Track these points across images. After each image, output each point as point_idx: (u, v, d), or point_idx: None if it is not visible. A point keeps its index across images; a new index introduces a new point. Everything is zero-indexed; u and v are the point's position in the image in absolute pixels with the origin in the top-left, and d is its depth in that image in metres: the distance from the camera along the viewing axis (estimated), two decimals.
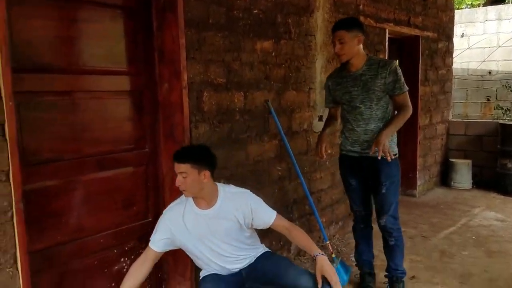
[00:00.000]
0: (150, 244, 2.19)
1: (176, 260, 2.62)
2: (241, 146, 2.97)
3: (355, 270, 3.09)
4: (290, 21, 3.29)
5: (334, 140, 3.81)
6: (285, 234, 2.36)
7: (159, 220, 2.24)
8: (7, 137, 1.72)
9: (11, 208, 1.75)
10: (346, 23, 2.67)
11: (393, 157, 2.62)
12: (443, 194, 5.69)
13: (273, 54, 3.18)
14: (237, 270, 2.32)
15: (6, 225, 1.74)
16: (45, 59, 2.08)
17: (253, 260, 2.35)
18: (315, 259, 2.16)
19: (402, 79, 2.69)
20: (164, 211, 2.27)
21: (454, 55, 6.61)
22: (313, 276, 2.14)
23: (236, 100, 2.90)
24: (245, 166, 3.01)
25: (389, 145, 2.64)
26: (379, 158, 2.57)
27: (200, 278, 2.34)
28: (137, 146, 2.54)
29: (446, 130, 6.31)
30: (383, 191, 2.72)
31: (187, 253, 2.31)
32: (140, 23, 2.48)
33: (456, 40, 7.01)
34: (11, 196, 1.74)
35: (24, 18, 1.97)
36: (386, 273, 2.86)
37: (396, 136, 2.82)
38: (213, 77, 2.70)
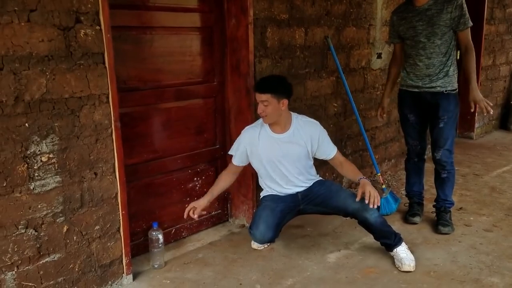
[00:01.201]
0: (232, 160, 2.62)
1: (239, 183, 2.94)
2: (300, 81, 3.15)
3: (405, 201, 3.29)
4: None
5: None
6: (338, 168, 2.72)
7: (237, 140, 2.62)
8: (107, 65, 2.02)
9: (111, 125, 2.09)
10: None
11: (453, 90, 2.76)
12: (501, 137, 5.62)
13: None
14: (294, 192, 2.61)
15: (107, 139, 2.09)
16: None
17: (309, 185, 2.64)
18: (359, 182, 2.47)
19: (467, 14, 2.73)
20: (242, 131, 2.62)
21: None
22: (361, 199, 2.42)
23: (297, 36, 3.04)
24: (303, 101, 3.21)
25: (450, 80, 2.79)
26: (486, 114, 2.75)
27: (261, 197, 2.68)
28: (207, 79, 2.80)
29: (510, 72, 6.07)
30: (441, 125, 2.83)
31: (256, 170, 2.66)
32: None
33: None
34: (111, 115, 2.07)
35: None
36: (435, 203, 3.04)
37: (457, 70, 2.85)
38: (276, 13, 2.85)
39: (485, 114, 2.61)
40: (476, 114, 5.46)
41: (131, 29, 2.36)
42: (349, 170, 2.67)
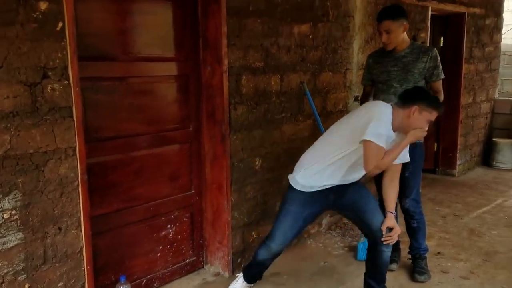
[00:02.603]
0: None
1: (215, 229, 2.91)
2: (277, 126, 3.17)
3: None
4: (328, 3, 3.39)
5: None
6: (387, 177, 2.47)
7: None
8: (74, 118, 2.02)
9: (77, 178, 2.07)
10: (392, 13, 2.77)
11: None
12: (483, 174, 5.66)
13: (310, 37, 3.31)
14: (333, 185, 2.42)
15: (73, 193, 2.07)
16: (105, 48, 2.37)
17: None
18: (386, 215, 2.41)
19: (441, 66, 2.84)
20: None
21: (504, 30, 6.37)
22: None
23: (273, 83, 3.08)
24: (280, 145, 3.22)
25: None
26: None
27: (289, 186, 2.50)
28: (183, 125, 2.81)
29: (491, 108, 6.19)
30: (406, 174, 2.79)
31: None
32: (187, 12, 2.70)
33: (508, 14, 6.71)
34: (77, 169, 2.06)
35: (87, 13, 2.24)
36: (409, 250, 3.02)
37: None
38: (251, 61, 2.89)
39: None
40: (458, 151, 5.52)
41: (105, 79, 2.38)
42: (391, 192, 2.47)
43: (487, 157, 6.08)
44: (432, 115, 2.34)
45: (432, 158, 5.57)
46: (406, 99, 2.36)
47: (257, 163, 3.06)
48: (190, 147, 2.87)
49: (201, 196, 2.94)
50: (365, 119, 2.28)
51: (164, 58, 2.67)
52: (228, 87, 2.75)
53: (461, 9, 5.11)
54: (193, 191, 2.92)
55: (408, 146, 2.44)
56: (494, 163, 5.94)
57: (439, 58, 2.83)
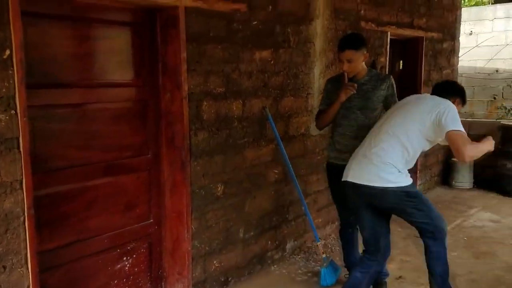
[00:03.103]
0: None
1: (174, 260, 2.82)
2: (239, 150, 3.14)
3: (345, 270, 3.26)
4: (289, 30, 3.42)
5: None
6: None
7: None
8: (21, 150, 1.92)
9: (23, 213, 1.95)
10: (354, 43, 2.82)
11: None
12: (443, 194, 5.80)
13: (272, 62, 3.32)
14: None
15: (18, 228, 1.94)
16: (59, 75, 2.28)
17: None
18: None
19: (395, 93, 2.95)
20: None
21: (461, 53, 6.64)
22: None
23: (234, 108, 3.06)
24: (242, 170, 3.18)
25: None
26: None
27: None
28: (140, 152, 2.73)
29: None
30: None
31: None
32: (145, 38, 2.65)
33: (464, 38, 7.03)
34: (24, 203, 1.94)
35: (38, 37, 2.15)
36: None
37: None
38: (212, 87, 2.86)
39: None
40: (418, 171, 5.65)
41: (58, 107, 2.29)
42: None
43: (446, 177, 6.25)
44: (459, 108, 2.58)
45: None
46: (448, 91, 2.60)
47: (219, 189, 3.00)
48: (148, 174, 2.78)
49: (160, 225, 2.85)
50: (436, 113, 2.40)
51: (121, 83, 2.60)
52: (188, 112, 2.70)
53: (419, 33, 5.29)
54: (151, 220, 2.82)
55: None
56: (453, 182, 6.11)
57: (395, 85, 2.93)
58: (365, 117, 2.88)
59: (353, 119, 2.88)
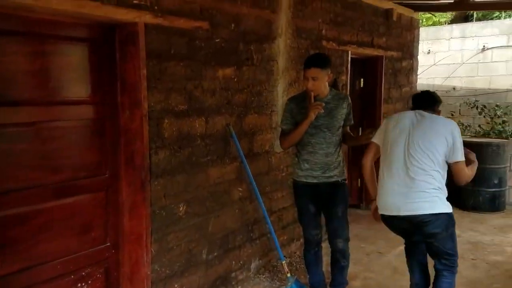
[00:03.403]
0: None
1: (133, 285, 2.70)
2: (202, 169, 3.08)
3: None
4: (252, 48, 3.42)
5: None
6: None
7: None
8: None
9: None
10: (321, 61, 2.88)
11: (345, 180, 3.03)
12: None
13: (235, 80, 3.30)
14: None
15: None
16: (10, 93, 2.16)
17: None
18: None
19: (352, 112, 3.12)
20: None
21: (420, 71, 6.87)
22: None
23: (197, 126, 3.01)
24: (206, 188, 3.12)
25: (343, 170, 3.01)
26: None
27: None
28: (97, 172, 2.61)
29: None
30: (340, 214, 2.97)
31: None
32: (104, 54, 2.57)
33: (422, 56, 7.29)
34: None
35: None
36: (333, 285, 3.12)
37: (344, 163, 3.10)
38: (174, 104, 2.80)
39: None
40: None
41: (7, 126, 2.15)
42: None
43: None
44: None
45: (356, 194, 5.74)
46: (432, 102, 2.69)
47: (181, 209, 2.92)
48: (105, 195, 2.67)
49: (118, 249, 2.73)
50: (451, 138, 2.45)
51: (77, 101, 2.49)
52: (148, 130, 2.63)
53: (379, 52, 5.43)
54: (108, 244, 2.69)
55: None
56: None
57: (351, 104, 3.10)
58: (332, 134, 2.96)
59: (322, 137, 2.95)
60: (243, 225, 3.51)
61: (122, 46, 2.58)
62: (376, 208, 2.70)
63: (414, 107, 2.69)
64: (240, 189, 3.46)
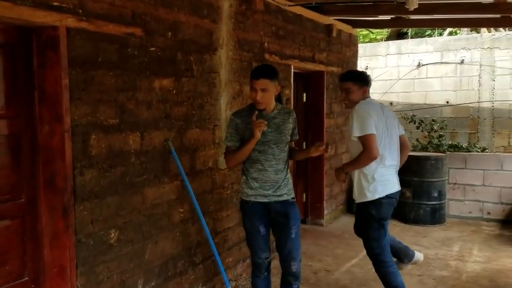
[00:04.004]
0: None
1: None
2: (137, 190, 2.79)
3: None
4: (192, 58, 3.21)
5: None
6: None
7: None
8: None
9: None
10: (270, 72, 2.73)
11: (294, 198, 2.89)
12: (348, 222, 5.85)
13: (174, 92, 3.06)
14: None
15: None
16: None
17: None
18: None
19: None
20: None
21: None
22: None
23: (131, 141, 2.72)
24: (142, 211, 2.83)
25: (291, 188, 2.88)
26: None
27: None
28: (12, 196, 2.27)
29: (350, 159, 6.58)
30: (293, 235, 2.80)
31: None
32: (20, 62, 2.26)
33: None
34: None
35: None
36: None
37: (291, 180, 2.94)
38: (103, 118, 2.51)
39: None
40: (325, 201, 5.69)
41: None
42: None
43: (351, 205, 6.38)
44: None
45: (302, 208, 5.65)
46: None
47: (112, 236, 2.60)
48: (21, 222, 2.32)
49: (39, 283, 2.37)
50: None
51: None
52: (71, 148, 2.32)
53: (321, 67, 5.43)
54: (26, 278, 2.33)
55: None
56: None
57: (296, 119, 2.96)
58: (280, 150, 2.82)
59: (271, 154, 2.79)
60: (184, 249, 3.23)
61: (41, 52, 2.27)
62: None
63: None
64: (181, 210, 3.19)
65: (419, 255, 3.52)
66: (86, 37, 2.36)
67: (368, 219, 3.12)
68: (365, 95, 3.19)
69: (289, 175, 2.89)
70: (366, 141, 2.93)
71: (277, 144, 2.80)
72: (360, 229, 3.31)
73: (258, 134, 2.65)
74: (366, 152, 2.93)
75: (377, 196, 3.03)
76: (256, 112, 2.71)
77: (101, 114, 2.50)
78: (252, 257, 2.92)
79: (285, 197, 2.82)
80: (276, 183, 2.80)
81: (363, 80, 3.21)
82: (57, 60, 2.23)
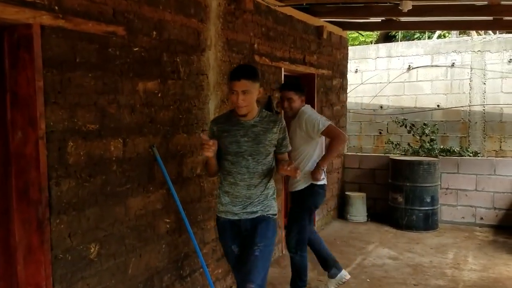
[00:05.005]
0: None
1: None
2: (120, 200, 2.60)
3: None
4: (178, 60, 3.03)
5: None
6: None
7: None
8: None
9: None
10: (251, 73, 2.48)
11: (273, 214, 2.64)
12: (340, 228, 5.76)
13: (159, 95, 2.89)
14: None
15: None
16: None
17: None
18: None
19: (288, 137, 2.69)
20: None
21: (348, 90, 6.89)
22: None
23: (112, 148, 2.54)
24: (124, 223, 2.64)
25: (271, 203, 2.62)
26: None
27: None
28: None
29: (342, 164, 6.48)
30: (256, 253, 2.47)
31: None
32: None
33: (350, 75, 7.34)
34: None
35: None
36: None
37: (275, 191, 2.69)
38: (81, 123, 2.32)
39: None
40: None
41: None
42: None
43: (341, 211, 6.27)
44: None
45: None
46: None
47: (92, 250, 2.42)
48: None
49: None
50: None
51: None
52: (46, 156, 2.13)
53: (311, 70, 5.30)
54: None
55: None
56: (348, 216, 6.14)
57: (286, 128, 2.66)
58: (257, 163, 2.53)
59: (244, 166, 2.51)
60: (171, 262, 3.05)
61: (13, 52, 2.09)
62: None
63: None
64: (167, 220, 3.01)
65: (344, 273, 3.69)
66: (62, 36, 2.18)
67: (307, 206, 3.50)
68: (303, 103, 3.50)
69: (270, 190, 2.61)
70: (330, 131, 3.33)
71: (253, 155, 2.51)
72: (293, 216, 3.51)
73: (207, 154, 2.41)
74: (337, 138, 3.32)
75: (323, 182, 3.49)
76: (207, 131, 2.45)
77: (79, 119, 2.31)
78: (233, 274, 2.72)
79: (258, 214, 2.55)
80: (248, 199, 2.54)
81: (303, 90, 3.51)
82: (30, 60, 2.04)
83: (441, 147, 6.82)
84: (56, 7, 2.14)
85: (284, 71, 4.62)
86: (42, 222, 2.12)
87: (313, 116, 3.42)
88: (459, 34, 10.09)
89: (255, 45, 4.01)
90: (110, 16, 2.45)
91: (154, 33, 2.80)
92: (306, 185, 3.46)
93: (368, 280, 3.94)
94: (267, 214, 2.56)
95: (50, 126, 2.14)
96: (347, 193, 6.29)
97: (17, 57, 2.08)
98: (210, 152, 2.39)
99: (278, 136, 2.57)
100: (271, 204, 2.60)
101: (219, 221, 2.66)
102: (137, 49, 2.66)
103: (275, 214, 2.62)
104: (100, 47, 2.40)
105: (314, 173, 3.43)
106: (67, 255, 2.26)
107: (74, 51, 2.25)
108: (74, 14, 2.22)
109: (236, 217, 2.55)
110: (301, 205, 3.51)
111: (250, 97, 2.44)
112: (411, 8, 4.08)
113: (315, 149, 3.50)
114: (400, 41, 10.39)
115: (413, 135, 6.89)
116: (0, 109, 2.11)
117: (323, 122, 3.37)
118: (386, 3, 4.51)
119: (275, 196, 2.67)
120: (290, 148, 2.70)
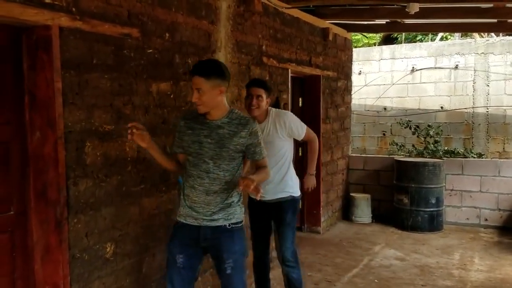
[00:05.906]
0: None
1: None
2: (134, 200, 2.63)
3: None
4: (190, 61, 3.06)
5: None
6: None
7: None
8: None
9: None
10: (204, 69, 2.20)
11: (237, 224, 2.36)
12: (345, 229, 5.78)
13: (172, 96, 2.92)
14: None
15: None
16: None
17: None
18: None
19: (262, 143, 2.40)
20: None
21: (352, 92, 6.91)
22: None
23: (127, 149, 2.57)
24: (139, 223, 2.67)
25: (234, 211, 2.34)
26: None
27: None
28: (0, 209, 2.09)
29: (347, 165, 6.51)
30: (228, 271, 2.28)
31: None
32: (7, 63, 2.10)
33: (354, 77, 7.35)
34: None
35: None
36: None
37: (241, 197, 2.40)
38: (98, 124, 2.35)
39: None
40: (321, 208, 5.57)
41: None
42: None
43: (346, 212, 6.29)
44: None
45: (298, 216, 5.50)
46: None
47: (108, 249, 2.45)
48: (11, 237, 2.16)
49: None
50: None
51: None
52: (65, 156, 2.16)
53: (317, 71, 5.33)
54: None
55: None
56: (353, 217, 6.15)
57: (260, 133, 2.38)
58: (218, 168, 2.26)
59: (204, 170, 2.26)
60: None
61: (32, 53, 2.12)
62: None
63: None
64: None
65: None
66: (80, 38, 2.21)
67: (293, 216, 3.21)
68: (268, 105, 3.12)
69: (234, 198, 2.33)
70: (310, 132, 3.26)
71: (214, 160, 2.25)
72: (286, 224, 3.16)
73: (140, 144, 2.18)
74: (315, 139, 3.29)
75: (299, 193, 3.26)
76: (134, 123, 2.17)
77: (96, 120, 2.34)
78: None
79: (220, 222, 2.27)
80: (206, 205, 2.27)
81: (271, 90, 3.24)
82: (49, 62, 2.07)
83: (445, 148, 6.84)
84: (74, 9, 2.17)
85: (290, 73, 4.65)
86: (60, 221, 2.14)
87: (295, 117, 3.22)
88: (462, 36, 10.13)
89: (263, 47, 4.04)
90: (125, 18, 2.48)
91: (167, 35, 2.83)
92: (296, 191, 3.19)
93: (376, 280, 3.95)
94: (230, 225, 2.30)
95: (68, 127, 2.17)
96: (351, 194, 6.30)
97: (35, 59, 2.11)
98: (139, 139, 2.14)
99: (247, 141, 2.28)
100: (234, 211, 2.32)
101: (176, 225, 2.38)
102: (150, 50, 2.69)
103: (241, 222, 2.35)
104: (115, 49, 2.43)
105: (308, 181, 3.33)
106: (84, 254, 2.29)
107: (91, 53, 2.28)
108: (91, 16, 2.26)
109: (195, 223, 2.29)
110: (293, 211, 3.17)
111: (204, 97, 2.18)
112: (418, 10, 4.11)
113: (292, 151, 3.21)
114: (402, 43, 10.42)
115: (417, 136, 6.91)
116: (19, 111, 2.14)
117: (302, 125, 3.22)
118: (393, 5, 4.54)
119: (240, 202, 2.38)
120: (265, 154, 2.41)
